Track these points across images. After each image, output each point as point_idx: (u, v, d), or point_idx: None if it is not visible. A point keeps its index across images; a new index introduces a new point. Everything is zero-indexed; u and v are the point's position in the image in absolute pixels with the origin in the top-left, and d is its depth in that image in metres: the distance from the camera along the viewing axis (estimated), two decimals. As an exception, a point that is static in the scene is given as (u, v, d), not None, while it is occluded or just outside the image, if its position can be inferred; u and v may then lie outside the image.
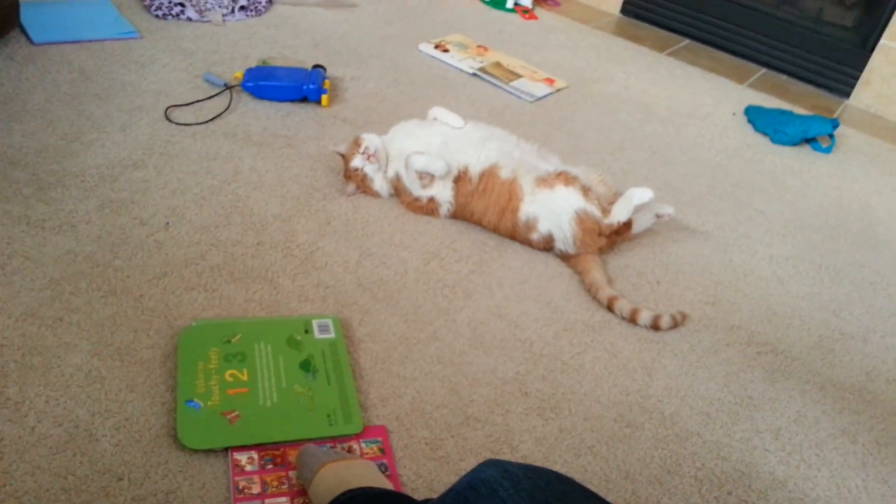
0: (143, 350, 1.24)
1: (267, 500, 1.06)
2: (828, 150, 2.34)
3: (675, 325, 1.51)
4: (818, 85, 2.83)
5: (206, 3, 2.37)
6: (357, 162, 1.67)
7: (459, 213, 1.69)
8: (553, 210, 1.59)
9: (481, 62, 2.44)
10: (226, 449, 1.11)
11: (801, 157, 2.29)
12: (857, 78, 2.73)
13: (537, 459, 1.20)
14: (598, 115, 2.29)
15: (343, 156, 1.72)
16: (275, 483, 1.08)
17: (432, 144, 1.68)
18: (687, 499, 1.19)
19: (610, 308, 1.52)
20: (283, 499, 1.06)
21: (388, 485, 1.05)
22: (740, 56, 2.96)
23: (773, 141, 2.33)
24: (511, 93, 2.31)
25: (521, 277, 1.58)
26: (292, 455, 1.12)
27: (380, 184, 1.71)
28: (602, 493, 1.17)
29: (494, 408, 1.28)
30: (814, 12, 2.89)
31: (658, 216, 1.71)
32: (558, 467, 1.20)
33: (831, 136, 2.36)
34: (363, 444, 1.16)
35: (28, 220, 1.46)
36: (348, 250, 1.55)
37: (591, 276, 1.57)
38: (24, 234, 1.43)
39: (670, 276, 1.67)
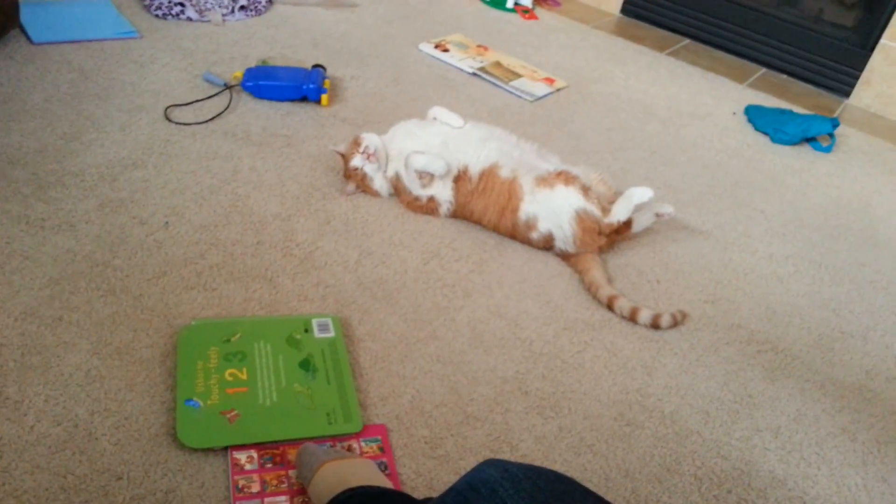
0: (142, 349, 1.24)
1: (266, 499, 1.06)
2: (828, 150, 2.34)
3: (675, 323, 1.51)
4: (818, 84, 2.83)
5: (205, 2, 2.37)
6: (357, 161, 1.67)
7: (459, 213, 1.69)
8: (553, 209, 1.59)
9: (481, 62, 2.44)
10: (225, 448, 1.11)
11: (801, 157, 2.29)
12: (857, 77, 2.73)
13: (537, 458, 1.20)
14: (598, 115, 2.29)
15: (343, 155, 1.72)
16: (274, 482, 1.08)
17: (432, 144, 1.68)
18: (686, 497, 1.19)
19: (610, 307, 1.52)
20: (283, 498, 1.06)
21: (387, 484, 1.05)
22: (740, 56, 2.96)
23: (773, 140, 2.33)
24: (511, 92, 2.31)
25: (520, 276, 1.58)
26: (292, 454, 1.12)
27: (379, 183, 1.71)
28: (602, 492, 1.17)
29: (494, 406, 1.28)
30: (814, 12, 2.89)
31: (658, 215, 1.71)
32: (558, 466, 1.20)
33: (831, 135, 2.36)
34: (363, 443, 1.16)
35: (27, 220, 1.46)
36: (348, 249, 1.55)
37: (591, 275, 1.57)
38: (24, 233, 1.43)
39: (670, 275, 1.67)
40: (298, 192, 1.69)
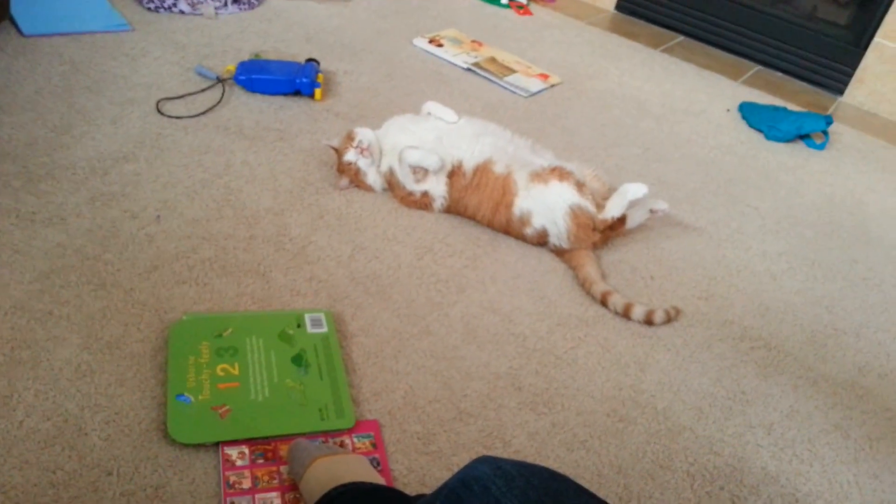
0: (133, 344, 1.23)
1: (258, 495, 1.05)
2: (821, 147, 2.34)
3: (669, 320, 1.51)
4: (812, 82, 2.83)
5: (198, -4, 2.36)
6: (350, 156, 1.67)
7: (453, 208, 1.68)
8: (547, 205, 1.59)
9: (476, 57, 2.44)
10: (216, 443, 1.10)
11: (794, 154, 2.29)
12: (850, 75, 2.73)
13: (530, 454, 1.20)
14: (592, 111, 2.28)
15: (336, 150, 1.71)
16: (266, 478, 1.07)
17: (426, 139, 1.67)
18: (679, 493, 1.19)
19: (603, 303, 1.52)
20: (274, 493, 1.06)
21: (379, 479, 1.05)
22: (734, 53, 2.96)
23: (767, 137, 2.34)
24: (505, 88, 2.31)
25: (514, 272, 1.58)
26: (283, 450, 1.11)
27: (373, 178, 1.70)
28: (594, 488, 1.17)
29: (487, 402, 1.27)
30: (808, 10, 2.89)
31: (652, 212, 1.70)
32: (551, 462, 1.20)
33: (825, 132, 2.37)
34: (355, 439, 1.16)
35: (17, 213, 1.45)
36: (341, 244, 1.54)
37: (584, 271, 1.57)
38: (14, 226, 1.41)
39: (664, 271, 1.67)
40: (291, 186, 1.68)
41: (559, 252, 1.64)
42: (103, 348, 1.22)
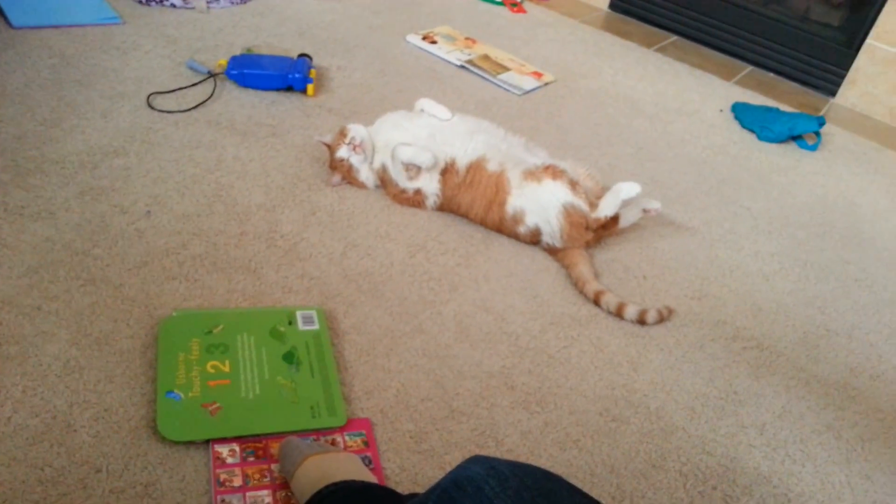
0: (122, 340, 1.22)
1: (248, 493, 1.04)
2: (814, 148, 2.35)
3: (661, 319, 1.51)
4: (804, 83, 2.84)
5: (190, -11, 2.34)
6: (343, 152, 1.66)
7: (446, 206, 1.68)
8: (540, 203, 1.58)
9: (469, 54, 2.43)
10: (207, 441, 1.09)
11: (787, 155, 2.29)
12: (842, 77, 2.74)
13: (522, 453, 1.20)
14: (585, 110, 2.28)
15: (328, 146, 1.70)
16: (256, 476, 1.06)
17: (419, 136, 1.66)
18: (671, 493, 1.19)
19: (596, 302, 1.52)
20: (265, 492, 1.05)
21: (371, 478, 1.04)
22: (727, 53, 2.96)
23: (760, 138, 2.34)
24: (499, 86, 2.30)
25: (507, 271, 1.57)
26: (275, 448, 1.10)
27: (366, 175, 1.69)
28: (587, 488, 1.16)
29: (480, 401, 1.26)
30: (801, 11, 2.89)
31: (645, 211, 1.70)
32: (543, 461, 1.19)
33: (817, 133, 2.37)
34: (347, 437, 1.15)
35: (6, 207, 1.43)
36: (333, 241, 1.53)
37: (577, 270, 1.56)
38: (2, 220, 1.40)
39: (656, 270, 1.67)
40: (283, 182, 1.67)
41: (552, 251, 1.63)
42: (92, 344, 1.20)
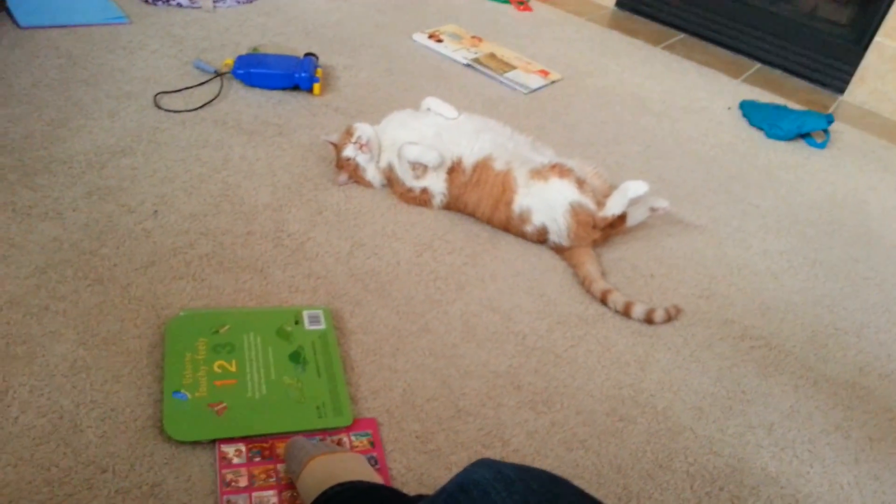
0: (129, 340, 1.22)
1: (254, 494, 1.04)
2: (822, 146, 2.33)
3: (669, 318, 1.50)
4: (813, 81, 2.82)
5: (197, -11, 2.34)
6: (349, 151, 1.65)
7: (453, 205, 1.67)
8: (547, 202, 1.58)
9: (475, 53, 2.42)
10: (213, 441, 1.09)
11: (795, 152, 2.28)
12: (851, 74, 2.72)
13: (529, 453, 1.19)
14: (592, 108, 2.27)
15: (335, 145, 1.69)
16: (262, 476, 1.06)
17: (426, 135, 1.66)
18: (679, 494, 1.18)
19: (604, 301, 1.51)
20: (271, 492, 1.05)
21: (377, 478, 1.04)
22: (735, 51, 2.95)
23: (768, 136, 2.33)
24: (505, 84, 2.29)
25: (514, 270, 1.57)
26: (280, 448, 1.10)
27: (372, 174, 1.69)
28: (594, 488, 1.16)
29: (486, 401, 1.26)
30: (809, 8, 2.88)
31: (652, 210, 1.69)
32: (550, 461, 1.19)
33: (826, 131, 2.36)
34: (353, 437, 1.15)
35: (14, 207, 1.43)
36: (340, 241, 1.53)
37: (584, 269, 1.56)
38: (10, 220, 1.40)
39: (664, 269, 1.66)
40: (290, 181, 1.67)
41: (559, 250, 1.63)
42: (99, 344, 1.20)
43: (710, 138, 2.25)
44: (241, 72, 1.95)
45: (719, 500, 1.18)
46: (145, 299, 1.30)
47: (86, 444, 1.06)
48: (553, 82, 2.37)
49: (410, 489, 1.10)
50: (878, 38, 2.62)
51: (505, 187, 1.61)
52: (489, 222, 1.66)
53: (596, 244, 1.64)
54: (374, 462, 1.11)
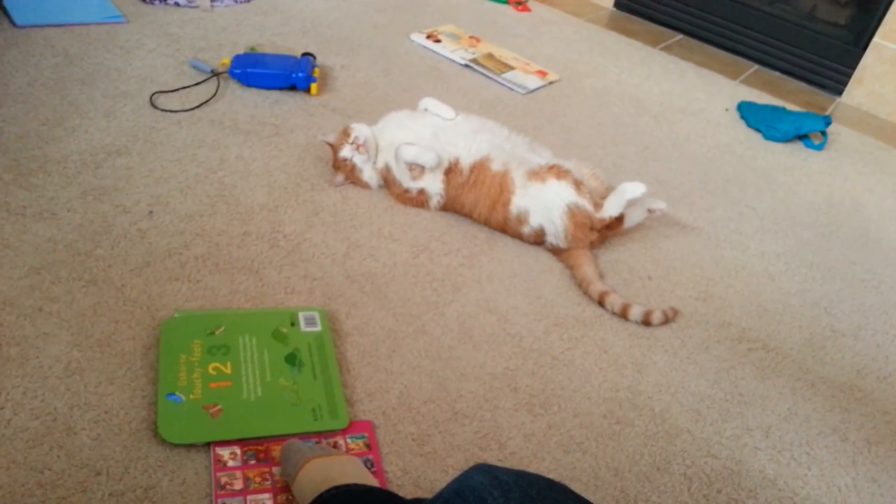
0: (124, 341, 1.21)
1: (249, 497, 1.03)
2: (820, 148, 2.33)
3: (667, 320, 1.50)
4: (811, 82, 2.82)
5: (194, -12, 2.33)
6: (346, 152, 1.65)
7: (450, 206, 1.67)
8: (545, 204, 1.57)
9: (473, 53, 2.42)
10: (208, 444, 1.09)
11: (793, 154, 2.28)
12: (849, 76, 2.72)
13: (525, 456, 1.19)
14: (590, 109, 2.27)
15: (332, 145, 1.69)
16: (258, 479, 1.06)
17: (423, 135, 1.65)
18: (676, 497, 1.18)
19: (601, 303, 1.51)
20: (266, 495, 1.04)
21: (373, 481, 1.03)
22: (733, 52, 2.95)
23: (766, 137, 2.32)
24: (503, 85, 2.29)
25: (511, 271, 1.56)
26: (276, 450, 1.10)
27: (369, 175, 1.68)
28: (590, 491, 1.16)
29: (483, 403, 1.26)
30: (807, 10, 2.88)
31: (650, 211, 1.69)
32: (546, 464, 1.18)
33: (824, 133, 2.36)
34: (349, 440, 1.14)
35: (8, 207, 1.42)
36: (336, 242, 1.53)
37: (582, 271, 1.55)
38: (4, 221, 1.39)
39: (661, 271, 1.65)
40: (286, 182, 1.66)
41: (556, 251, 1.62)
42: (93, 346, 1.20)
43: (708, 140, 2.25)
44: (237, 71, 1.94)
45: (717, 503, 1.18)
46: (140, 300, 1.29)
47: (79, 447, 1.05)
48: (551, 83, 2.36)
49: (407, 492, 1.09)
50: (876, 40, 2.62)
51: (502, 188, 1.60)
52: (486, 223, 1.65)
53: (593, 246, 1.64)
54: (370, 465, 1.11)
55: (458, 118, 1.71)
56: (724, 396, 1.38)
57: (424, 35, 2.46)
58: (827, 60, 2.76)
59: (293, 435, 1.12)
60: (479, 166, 1.62)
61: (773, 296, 1.66)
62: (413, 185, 1.64)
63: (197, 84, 1.91)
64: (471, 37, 2.54)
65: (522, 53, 2.50)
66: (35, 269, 1.31)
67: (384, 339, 1.33)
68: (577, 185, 1.58)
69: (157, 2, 2.26)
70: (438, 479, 1.12)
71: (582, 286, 1.54)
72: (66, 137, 1.64)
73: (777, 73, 2.87)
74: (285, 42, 2.22)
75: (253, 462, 1.08)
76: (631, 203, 1.61)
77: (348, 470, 1.02)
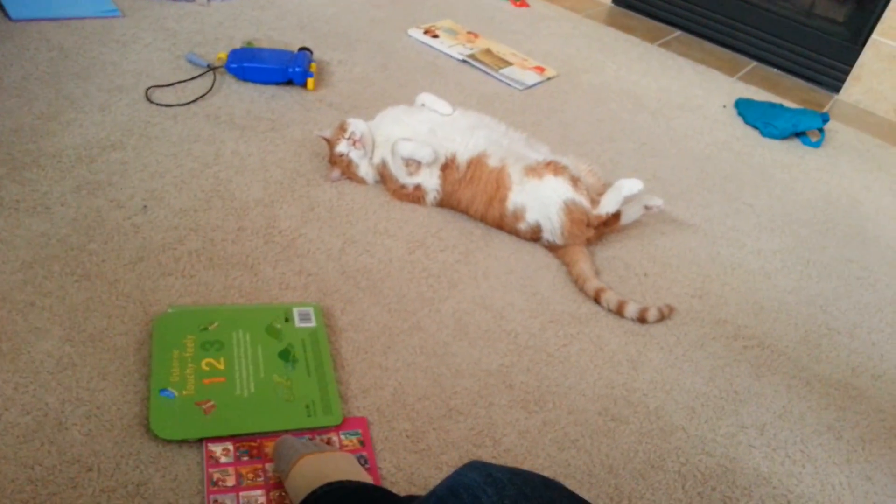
0: (116, 337, 1.21)
1: (242, 493, 1.03)
2: (817, 145, 2.33)
3: (662, 318, 1.50)
4: (808, 79, 2.82)
5: (190, -18, 2.32)
6: (342, 147, 1.64)
7: (446, 202, 1.66)
8: (541, 200, 1.57)
9: (471, 49, 2.41)
10: (200, 440, 1.08)
11: (790, 151, 2.27)
12: (847, 73, 2.72)
13: (520, 453, 1.18)
14: (588, 105, 2.26)
15: (328, 141, 1.68)
16: (250, 475, 1.05)
17: (420, 131, 1.65)
18: (670, 494, 1.17)
19: (597, 300, 1.50)
20: (259, 491, 1.04)
21: (367, 478, 1.03)
22: (731, 49, 2.94)
23: (763, 134, 2.32)
24: (501, 80, 2.28)
25: (507, 268, 1.56)
26: (269, 447, 1.09)
27: (365, 170, 1.67)
28: (585, 488, 1.15)
29: (478, 400, 1.25)
30: (805, 6, 2.87)
31: (647, 208, 1.69)
32: (541, 461, 1.18)
33: (821, 130, 2.35)
34: (342, 436, 1.14)
35: (1, 201, 1.42)
36: (332, 237, 1.52)
37: (578, 268, 1.55)
38: (-3, 215, 1.39)
39: (658, 268, 1.65)
40: (282, 177, 1.65)
41: (553, 248, 1.62)
42: (86, 341, 1.19)
43: (705, 136, 2.24)
44: (234, 66, 1.93)
45: (711, 501, 1.18)
46: (133, 295, 1.29)
47: (71, 443, 1.05)
48: (549, 79, 2.36)
49: (400, 489, 1.09)
50: (874, 37, 2.62)
51: (499, 184, 1.60)
52: (483, 220, 1.65)
53: (590, 242, 1.63)
54: (363, 461, 1.10)
55: (456, 114, 1.70)
56: (718, 394, 1.37)
57: (422, 30, 2.45)
58: (825, 57, 2.76)
59: (286, 431, 1.12)
60: (476, 162, 1.62)
61: (769, 293, 1.65)
62: (409, 181, 1.64)
63: (193, 78, 1.91)
64: (468, 32, 2.53)
65: (520, 49, 2.50)
66: (28, 263, 1.30)
67: (379, 336, 1.33)
68: (574, 181, 1.58)
69: (153, -5, 2.25)
70: (432, 475, 1.11)
71: (578, 283, 1.54)
72: (61, 131, 1.63)
73: (775, 70, 2.86)
74: (282, 37, 2.21)
75: (246, 458, 1.07)
76: (628, 200, 1.61)
77: (342, 466, 1.01)
